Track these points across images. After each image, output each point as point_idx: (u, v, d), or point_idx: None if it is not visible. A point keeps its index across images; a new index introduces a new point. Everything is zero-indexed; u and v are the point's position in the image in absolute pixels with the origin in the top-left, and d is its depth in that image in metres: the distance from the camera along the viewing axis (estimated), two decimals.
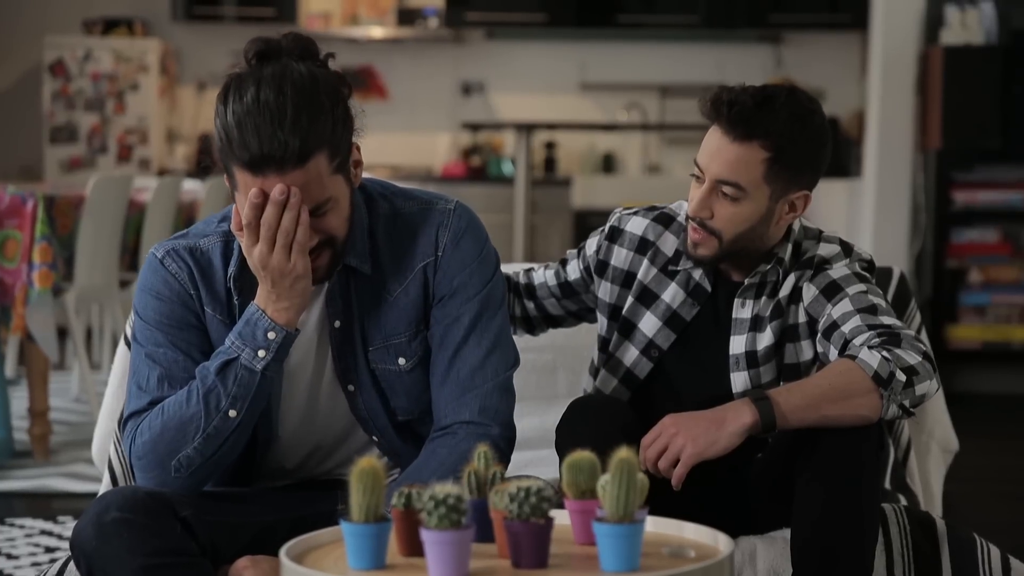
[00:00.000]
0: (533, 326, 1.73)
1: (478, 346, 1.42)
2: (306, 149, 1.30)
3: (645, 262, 1.61)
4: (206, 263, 1.42)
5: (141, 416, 1.38)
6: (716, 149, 1.49)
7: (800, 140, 1.48)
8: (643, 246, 1.62)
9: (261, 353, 1.36)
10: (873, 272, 1.57)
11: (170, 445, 1.36)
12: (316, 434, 1.48)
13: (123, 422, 1.41)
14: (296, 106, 1.29)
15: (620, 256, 1.62)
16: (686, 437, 1.40)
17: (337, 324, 1.43)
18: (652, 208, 1.64)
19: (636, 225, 1.62)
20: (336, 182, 1.35)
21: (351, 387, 1.44)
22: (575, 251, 1.69)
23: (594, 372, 1.67)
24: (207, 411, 1.36)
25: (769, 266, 1.55)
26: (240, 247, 1.41)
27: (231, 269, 1.42)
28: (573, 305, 1.70)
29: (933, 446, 1.97)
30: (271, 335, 1.36)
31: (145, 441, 1.37)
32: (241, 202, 1.34)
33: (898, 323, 1.48)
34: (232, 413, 1.36)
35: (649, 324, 1.60)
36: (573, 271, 1.68)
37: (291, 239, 1.33)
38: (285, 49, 1.34)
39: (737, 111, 1.47)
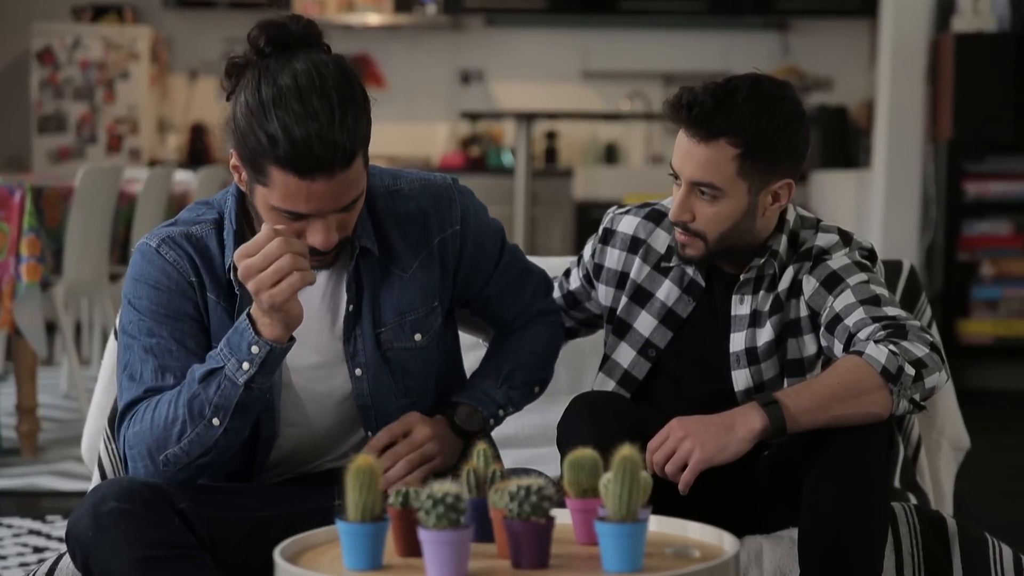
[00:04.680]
0: None
1: (524, 262, 1.57)
2: (352, 149, 1.32)
3: (637, 261, 1.60)
4: (204, 249, 1.41)
5: (137, 406, 1.38)
6: (686, 152, 1.48)
7: (769, 130, 1.47)
8: (635, 245, 1.61)
9: (245, 366, 1.33)
10: (875, 261, 1.55)
11: (158, 441, 1.35)
12: (318, 426, 1.46)
13: (119, 414, 1.39)
14: (342, 107, 1.31)
15: (613, 257, 1.62)
16: (695, 442, 1.38)
17: (351, 308, 1.42)
18: (644, 205, 1.64)
19: (627, 224, 1.62)
20: (364, 176, 1.37)
21: (359, 371, 1.43)
22: (576, 259, 1.69)
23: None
24: (190, 416, 1.34)
25: (763, 259, 1.54)
26: (234, 236, 1.40)
27: (229, 260, 1.40)
28: (581, 315, 1.69)
29: (944, 443, 1.95)
30: (255, 349, 1.33)
31: (136, 432, 1.36)
32: (272, 199, 1.32)
33: (903, 313, 1.46)
34: (215, 422, 1.34)
35: (645, 323, 1.59)
36: (574, 281, 1.68)
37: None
38: (295, 35, 1.33)
39: (697, 112, 1.46)
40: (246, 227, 1.42)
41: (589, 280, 1.65)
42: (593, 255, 1.64)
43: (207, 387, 1.33)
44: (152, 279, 1.39)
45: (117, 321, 1.76)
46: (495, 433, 1.74)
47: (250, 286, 1.29)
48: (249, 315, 1.33)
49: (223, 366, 1.33)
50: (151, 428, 1.34)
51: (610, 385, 1.60)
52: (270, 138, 1.29)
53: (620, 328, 1.60)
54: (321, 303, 1.43)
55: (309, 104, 1.28)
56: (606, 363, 1.61)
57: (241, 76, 1.33)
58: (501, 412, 1.52)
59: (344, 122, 1.30)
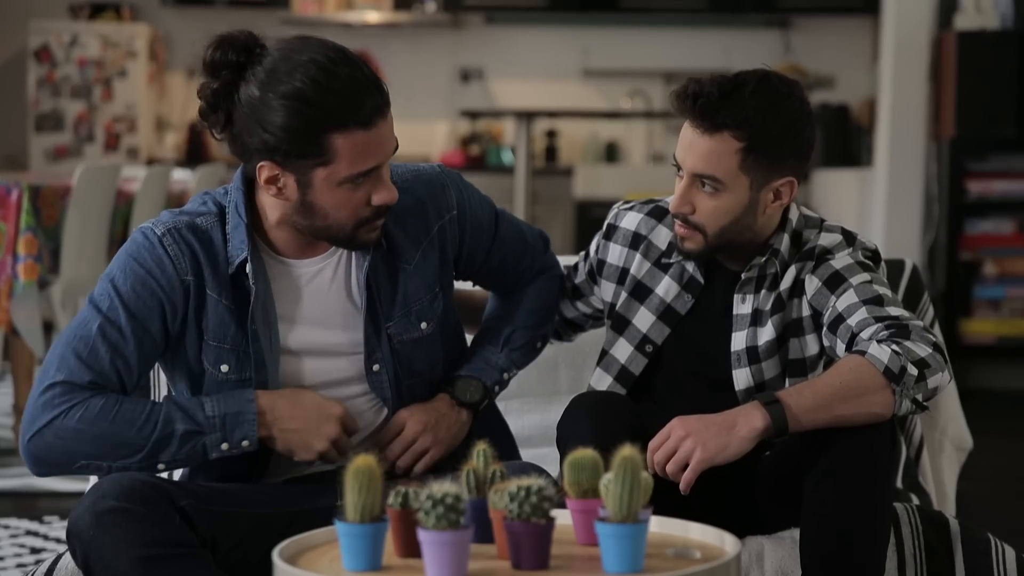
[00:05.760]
0: (559, 333, 1.72)
1: (518, 226, 1.59)
2: (385, 85, 1.35)
3: (638, 256, 1.60)
4: (207, 242, 1.39)
5: (79, 394, 1.33)
6: (689, 143, 1.48)
7: (774, 126, 1.46)
8: (636, 241, 1.61)
9: (224, 447, 1.36)
10: (878, 262, 1.55)
11: (96, 448, 1.33)
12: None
13: (49, 383, 1.34)
14: (358, 57, 1.33)
15: (615, 253, 1.62)
16: (696, 442, 1.37)
17: (364, 307, 1.43)
18: (649, 201, 1.64)
19: (630, 220, 1.62)
20: None
21: (376, 367, 1.44)
22: (583, 254, 1.69)
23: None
24: (149, 453, 1.34)
25: (765, 258, 1.53)
26: (246, 229, 1.38)
27: (242, 254, 1.38)
28: (587, 308, 1.69)
29: (946, 444, 1.95)
30: (245, 443, 1.36)
31: (76, 429, 1.32)
32: (341, 171, 1.32)
33: (906, 313, 1.46)
34: (161, 466, 1.36)
35: (643, 319, 1.59)
36: (580, 274, 1.68)
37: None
38: (253, 41, 1.34)
39: (703, 103, 1.45)
40: (252, 223, 1.40)
41: (592, 276, 1.65)
42: (597, 250, 1.64)
43: (183, 443, 1.34)
44: (146, 267, 1.37)
45: None
46: (513, 427, 1.74)
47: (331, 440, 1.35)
48: (260, 405, 1.34)
49: (205, 435, 1.34)
50: (99, 437, 1.32)
51: (607, 380, 1.60)
52: (323, 109, 1.28)
53: (619, 323, 1.60)
54: (328, 302, 1.42)
55: (332, 60, 1.29)
56: (604, 358, 1.61)
57: (231, 96, 1.32)
58: (505, 376, 1.54)
59: (368, 67, 1.32)
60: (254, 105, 1.30)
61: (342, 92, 1.29)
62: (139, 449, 1.33)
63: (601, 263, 1.63)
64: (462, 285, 1.65)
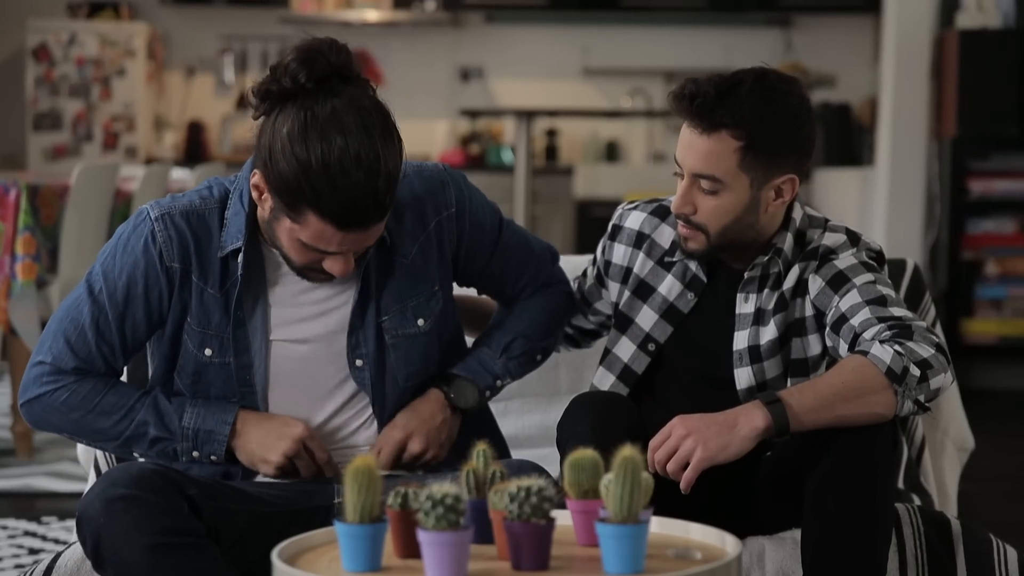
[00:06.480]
0: (578, 342, 1.73)
1: (524, 236, 1.58)
2: (392, 198, 1.34)
3: (641, 255, 1.61)
4: (203, 230, 1.42)
5: (65, 378, 1.42)
6: (688, 143, 1.48)
7: (773, 124, 1.46)
8: (639, 239, 1.61)
9: (195, 455, 1.42)
10: (882, 263, 1.54)
11: (76, 428, 1.43)
12: (316, 421, 1.47)
13: (41, 360, 1.43)
14: (386, 158, 1.32)
15: (619, 252, 1.63)
16: (697, 440, 1.37)
17: (356, 300, 1.44)
18: (653, 200, 1.64)
19: (634, 220, 1.63)
20: None
21: (359, 362, 1.45)
22: (592, 259, 1.69)
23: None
24: (122, 445, 1.43)
25: (768, 257, 1.53)
26: (247, 219, 1.40)
27: (237, 242, 1.41)
28: (600, 316, 1.69)
29: (948, 444, 1.95)
30: (214, 458, 1.42)
31: (60, 410, 1.42)
32: (301, 235, 1.34)
33: (909, 314, 1.46)
34: (136, 456, 1.45)
35: (646, 318, 1.59)
36: (589, 279, 1.69)
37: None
38: (334, 66, 1.34)
39: (700, 103, 1.45)
40: (253, 212, 1.42)
41: (600, 279, 1.65)
42: (603, 252, 1.64)
43: (151, 446, 1.42)
44: (134, 254, 1.41)
45: None
46: (513, 427, 1.73)
47: (321, 457, 1.40)
48: (234, 426, 1.39)
49: (176, 442, 1.41)
50: (78, 423, 1.41)
51: (610, 379, 1.60)
52: (315, 191, 1.30)
53: (621, 322, 1.60)
54: (320, 294, 1.43)
55: (358, 159, 1.29)
56: (606, 357, 1.61)
57: (277, 105, 1.33)
58: (498, 383, 1.54)
59: (387, 170, 1.31)
60: (275, 139, 1.32)
61: (341, 192, 1.29)
62: (114, 439, 1.42)
63: (607, 264, 1.63)
64: (471, 293, 1.64)
